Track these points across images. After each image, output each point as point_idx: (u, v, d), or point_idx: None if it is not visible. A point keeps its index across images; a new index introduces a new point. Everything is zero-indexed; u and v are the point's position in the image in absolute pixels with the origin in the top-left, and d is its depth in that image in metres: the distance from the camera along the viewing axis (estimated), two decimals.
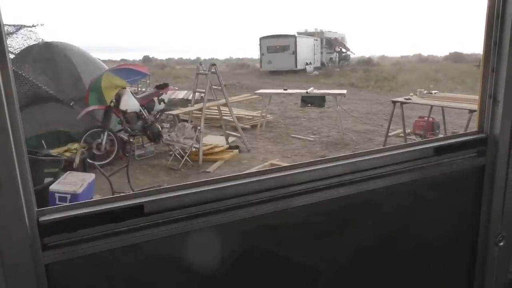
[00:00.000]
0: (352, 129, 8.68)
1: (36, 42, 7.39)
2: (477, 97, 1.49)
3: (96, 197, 3.75)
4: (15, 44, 7.17)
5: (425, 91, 7.63)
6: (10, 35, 7.11)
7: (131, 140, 6.78)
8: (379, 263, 1.39)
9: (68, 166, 5.21)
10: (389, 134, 7.54)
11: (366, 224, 1.34)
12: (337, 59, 25.79)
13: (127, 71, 7.36)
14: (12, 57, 6.80)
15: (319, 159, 1.28)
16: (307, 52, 22.88)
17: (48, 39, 7.51)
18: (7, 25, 7.12)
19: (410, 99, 7.29)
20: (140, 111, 6.95)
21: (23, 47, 7.22)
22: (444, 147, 1.41)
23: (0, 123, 0.83)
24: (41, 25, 7.48)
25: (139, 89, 10.74)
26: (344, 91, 8.95)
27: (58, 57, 7.05)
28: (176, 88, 12.61)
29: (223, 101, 7.54)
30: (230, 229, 1.14)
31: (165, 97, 7.40)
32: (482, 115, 1.46)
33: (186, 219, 1.06)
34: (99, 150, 6.35)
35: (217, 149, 6.93)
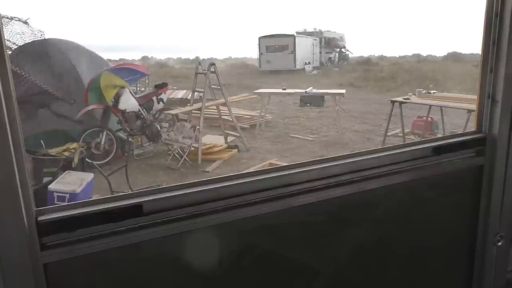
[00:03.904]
0: (351, 129, 8.68)
1: (37, 38, 7.36)
2: (475, 97, 1.49)
3: (95, 197, 3.75)
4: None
5: (423, 91, 7.65)
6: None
7: (130, 139, 6.78)
8: (378, 262, 1.39)
9: (66, 165, 5.21)
10: (388, 133, 7.55)
11: (364, 223, 1.35)
12: (336, 58, 25.77)
13: (126, 71, 7.35)
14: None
15: (318, 158, 1.28)
16: (306, 52, 22.86)
17: (47, 36, 7.49)
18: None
19: (409, 99, 7.30)
20: (139, 110, 6.95)
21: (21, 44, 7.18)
22: (443, 147, 1.41)
23: None
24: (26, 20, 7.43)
25: (138, 88, 10.73)
26: (343, 91, 8.96)
27: (56, 54, 7.01)
28: (175, 88, 12.64)
29: (222, 100, 7.54)
30: (229, 229, 1.14)
31: (164, 96, 7.39)
32: (481, 115, 1.46)
33: (185, 219, 1.06)
34: (98, 150, 6.34)
35: (216, 149, 6.92)
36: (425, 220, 1.44)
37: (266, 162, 6.33)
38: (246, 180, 1.15)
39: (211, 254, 1.12)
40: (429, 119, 7.37)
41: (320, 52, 24.49)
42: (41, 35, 7.45)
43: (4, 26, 6.95)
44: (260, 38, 22.70)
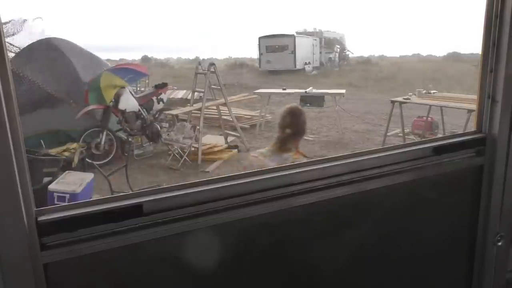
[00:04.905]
0: (351, 129, 8.68)
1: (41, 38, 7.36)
2: (475, 97, 1.49)
3: (95, 197, 3.75)
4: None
5: (424, 91, 7.65)
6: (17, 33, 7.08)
7: (130, 139, 6.78)
8: (378, 262, 1.39)
9: (67, 165, 5.21)
10: (388, 133, 7.54)
11: (365, 223, 1.35)
12: (336, 58, 25.76)
13: (126, 71, 7.35)
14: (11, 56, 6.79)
15: (318, 158, 1.28)
16: (306, 52, 22.84)
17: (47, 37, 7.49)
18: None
19: (409, 99, 7.30)
20: (139, 110, 6.95)
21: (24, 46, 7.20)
22: (443, 147, 1.41)
23: None
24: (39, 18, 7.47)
25: (138, 88, 10.74)
26: (343, 91, 8.96)
27: (57, 55, 7.01)
28: (175, 88, 12.64)
29: (222, 100, 7.54)
30: (229, 229, 1.14)
31: (164, 96, 7.40)
32: (481, 115, 1.46)
33: (185, 219, 1.06)
34: (98, 150, 6.35)
35: (216, 149, 6.92)
36: (425, 220, 1.44)
37: None
38: (246, 180, 1.15)
39: (211, 254, 1.12)
40: (429, 119, 7.37)
41: (320, 52, 24.47)
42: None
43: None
44: (260, 38, 22.67)
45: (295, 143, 2.50)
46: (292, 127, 2.47)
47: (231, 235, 1.16)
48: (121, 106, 6.69)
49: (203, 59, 17.37)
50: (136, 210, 1.00)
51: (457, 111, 7.13)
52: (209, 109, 7.91)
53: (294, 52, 21.92)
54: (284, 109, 2.58)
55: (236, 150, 7.07)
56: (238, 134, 7.48)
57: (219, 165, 6.43)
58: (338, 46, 25.73)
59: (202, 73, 7.37)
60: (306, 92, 8.65)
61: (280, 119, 2.55)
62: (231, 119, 7.61)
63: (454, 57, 24.60)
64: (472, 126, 1.65)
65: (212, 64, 7.33)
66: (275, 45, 22.22)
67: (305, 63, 22.52)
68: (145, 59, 29.38)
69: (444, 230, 1.48)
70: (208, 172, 6.11)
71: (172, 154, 6.57)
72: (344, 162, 1.28)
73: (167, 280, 1.10)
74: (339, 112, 8.45)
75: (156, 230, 1.03)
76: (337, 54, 25.98)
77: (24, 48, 7.10)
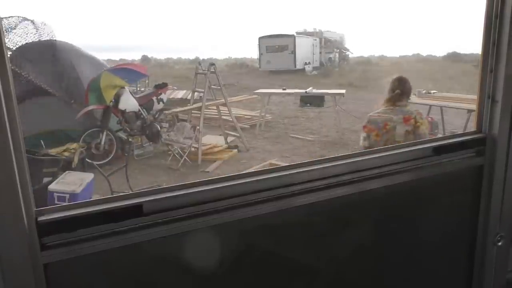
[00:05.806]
0: (351, 129, 8.67)
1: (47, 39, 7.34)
2: (475, 97, 1.49)
3: (95, 197, 3.75)
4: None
5: (424, 91, 7.66)
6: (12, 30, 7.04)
7: (130, 139, 6.78)
8: (378, 262, 1.39)
9: (66, 165, 5.20)
10: None
11: (364, 223, 1.35)
12: (336, 59, 25.75)
13: (126, 71, 7.36)
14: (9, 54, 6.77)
15: (318, 158, 1.28)
16: (306, 52, 22.84)
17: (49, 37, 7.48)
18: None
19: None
20: (139, 110, 6.95)
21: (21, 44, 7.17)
22: (443, 147, 1.41)
23: None
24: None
25: (138, 88, 10.74)
26: (343, 91, 8.96)
27: (57, 56, 7.01)
28: (175, 88, 12.64)
29: (222, 100, 7.54)
30: (229, 229, 1.14)
31: (164, 96, 7.40)
32: (481, 115, 1.46)
33: (185, 219, 1.06)
34: (98, 150, 6.35)
35: (216, 149, 6.93)
36: (425, 220, 1.44)
37: (266, 162, 6.33)
38: (246, 180, 1.15)
39: (211, 254, 1.12)
40: (429, 119, 7.37)
41: (320, 52, 24.46)
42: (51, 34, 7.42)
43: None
44: (260, 39, 22.67)
45: (404, 101, 3.27)
46: (400, 88, 3.23)
47: (231, 235, 1.16)
48: (121, 106, 6.70)
49: (203, 59, 17.37)
50: (136, 210, 1.00)
51: (457, 111, 7.13)
52: (209, 109, 7.91)
53: (294, 52, 21.91)
54: (393, 78, 3.33)
55: (236, 150, 7.07)
56: (238, 134, 7.48)
57: (219, 165, 6.43)
58: (338, 49, 25.72)
59: (202, 73, 7.38)
60: (306, 92, 8.65)
61: (390, 85, 3.28)
62: (231, 119, 7.61)
63: (454, 57, 24.59)
64: (472, 126, 1.65)
65: (212, 64, 7.34)
66: (275, 45, 22.20)
67: (305, 63, 22.51)
68: (145, 59, 29.35)
69: (444, 230, 1.48)
70: (208, 172, 6.11)
71: (172, 154, 6.57)
72: (344, 162, 1.28)
73: (167, 280, 1.10)
74: (339, 112, 8.45)
75: (156, 230, 1.02)
76: (337, 54, 25.97)
77: (21, 47, 7.08)
